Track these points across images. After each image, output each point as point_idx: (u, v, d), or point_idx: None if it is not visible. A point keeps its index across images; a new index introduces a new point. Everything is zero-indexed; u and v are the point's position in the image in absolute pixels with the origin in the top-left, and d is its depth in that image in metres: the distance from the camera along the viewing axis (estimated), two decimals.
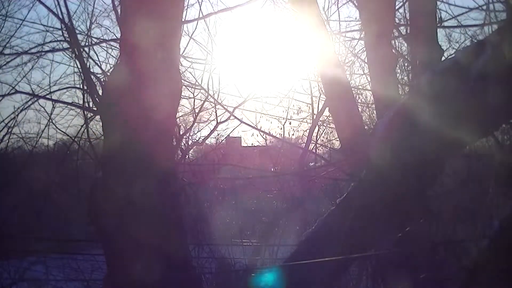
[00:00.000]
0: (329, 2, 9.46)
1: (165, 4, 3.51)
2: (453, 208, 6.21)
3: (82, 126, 9.43)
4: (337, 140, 9.02)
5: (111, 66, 9.09)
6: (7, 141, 10.99)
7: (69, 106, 9.89)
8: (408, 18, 6.09)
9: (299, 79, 10.96)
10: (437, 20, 5.69)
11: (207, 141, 11.35)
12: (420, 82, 3.04)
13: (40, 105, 10.17)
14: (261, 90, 11.16)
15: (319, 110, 10.28)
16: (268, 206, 12.67)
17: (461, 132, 2.79)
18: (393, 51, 6.18)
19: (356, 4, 6.76)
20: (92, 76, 8.67)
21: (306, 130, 11.08)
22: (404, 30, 7.17)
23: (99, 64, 9.30)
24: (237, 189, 11.41)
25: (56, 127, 10.14)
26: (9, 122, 10.14)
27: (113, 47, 9.35)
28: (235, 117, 9.82)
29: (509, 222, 2.97)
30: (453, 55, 3.04)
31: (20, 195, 11.27)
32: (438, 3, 5.92)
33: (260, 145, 13.11)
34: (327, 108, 8.89)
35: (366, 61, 6.73)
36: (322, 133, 11.02)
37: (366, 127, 8.05)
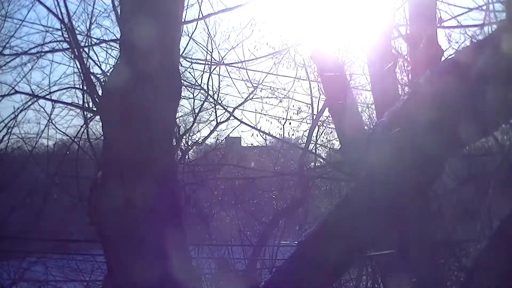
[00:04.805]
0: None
1: (165, 4, 3.51)
2: (453, 208, 6.21)
3: (81, 126, 9.45)
4: (337, 140, 9.01)
5: (111, 66, 9.11)
6: (7, 141, 11.02)
7: (68, 107, 9.92)
8: (408, 18, 6.09)
9: (299, 79, 10.97)
10: (437, 20, 5.69)
11: (207, 141, 11.37)
12: (420, 82, 3.04)
13: (40, 106, 10.20)
14: (261, 90, 11.18)
15: (319, 110, 10.28)
16: (268, 206, 12.68)
17: (461, 132, 2.79)
18: (393, 51, 6.18)
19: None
20: (92, 77, 8.68)
21: (306, 131, 11.08)
22: (404, 30, 7.16)
23: (99, 64, 9.32)
24: (237, 189, 11.42)
25: (56, 128, 10.17)
26: (9, 122, 10.16)
27: (113, 47, 9.37)
28: (235, 117, 9.84)
29: (509, 222, 2.97)
30: (453, 55, 3.04)
31: (20, 195, 11.28)
32: (438, 3, 5.91)
33: (260, 145, 13.12)
34: (327, 108, 8.89)
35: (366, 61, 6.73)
36: (322, 133, 11.03)
37: (366, 127, 8.05)
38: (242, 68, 10.10)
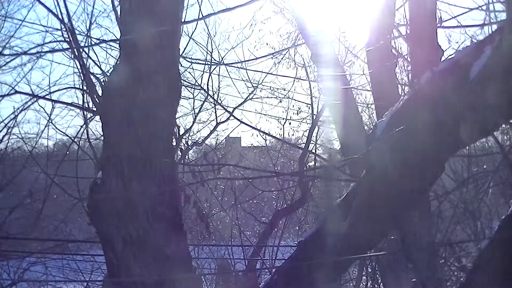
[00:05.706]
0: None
1: (164, 4, 3.51)
2: (453, 208, 6.21)
3: (81, 126, 9.42)
4: (337, 140, 9.01)
5: (111, 66, 9.09)
6: (7, 141, 11.02)
7: (68, 107, 9.90)
8: (408, 18, 6.08)
9: (299, 79, 10.96)
10: (437, 20, 5.69)
11: (206, 142, 11.36)
12: (420, 82, 3.04)
13: (40, 106, 10.19)
14: (261, 90, 11.18)
15: (319, 110, 10.27)
16: (268, 206, 12.68)
17: (461, 132, 2.78)
18: (393, 51, 6.18)
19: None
20: (92, 77, 8.67)
21: (306, 131, 11.08)
22: (404, 30, 7.15)
23: (98, 64, 9.31)
24: (237, 189, 11.40)
25: (56, 128, 10.17)
26: (9, 122, 10.17)
27: (113, 47, 9.36)
28: (235, 118, 9.83)
29: (509, 222, 2.97)
30: (453, 55, 3.03)
31: (20, 195, 11.28)
32: (438, 3, 5.90)
33: (259, 145, 13.11)
34: (327, 108, 8.89)
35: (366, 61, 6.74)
36: (322, 133, 11.01)
37: (366, 127, 8.05)
38: (242, 68, 10.09)
